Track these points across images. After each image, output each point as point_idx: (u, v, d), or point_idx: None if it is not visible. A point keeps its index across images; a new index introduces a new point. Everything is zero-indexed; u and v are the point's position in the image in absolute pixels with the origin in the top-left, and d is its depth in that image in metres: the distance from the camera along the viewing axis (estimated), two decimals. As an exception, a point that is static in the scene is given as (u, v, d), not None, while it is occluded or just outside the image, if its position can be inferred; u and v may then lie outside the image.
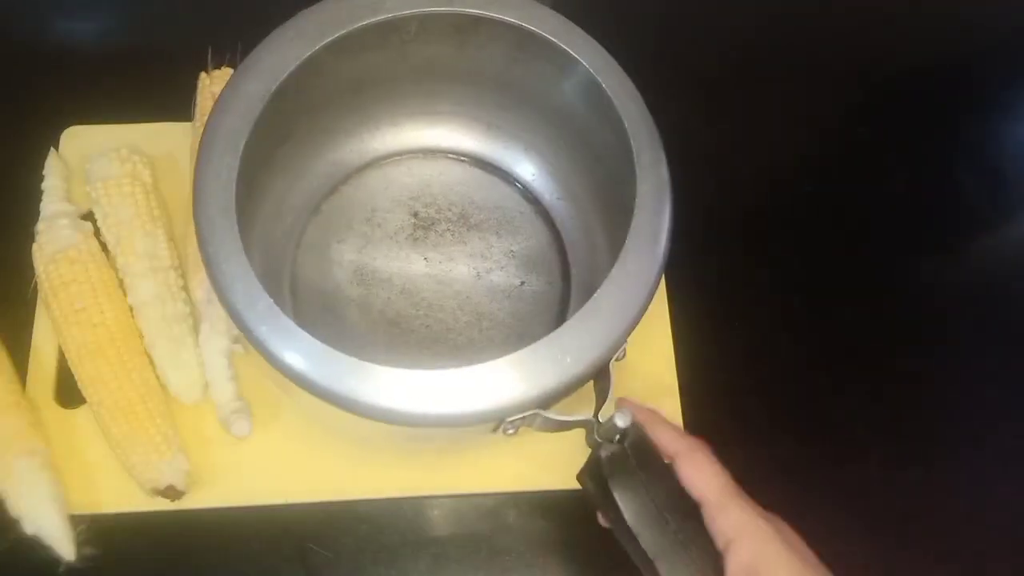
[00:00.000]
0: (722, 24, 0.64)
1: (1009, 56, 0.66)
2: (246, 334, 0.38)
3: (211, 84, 0.52)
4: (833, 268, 0.57)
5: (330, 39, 0.43)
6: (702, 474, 0.37)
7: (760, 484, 0.50)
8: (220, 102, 0.42)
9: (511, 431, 0.40)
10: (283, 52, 0.43)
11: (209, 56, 0.52)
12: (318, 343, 0.38)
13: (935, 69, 0.65)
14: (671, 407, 0.51)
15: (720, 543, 0.36)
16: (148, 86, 0.53)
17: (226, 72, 0.53)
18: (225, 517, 0.47)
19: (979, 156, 0.62)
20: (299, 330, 0.38)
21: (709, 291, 0.54)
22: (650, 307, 0.52)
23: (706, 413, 0.51)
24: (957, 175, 0.60)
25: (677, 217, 0.55)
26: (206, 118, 0.50)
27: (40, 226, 0.50)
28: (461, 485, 0.49)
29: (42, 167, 0.53)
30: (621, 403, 0.40)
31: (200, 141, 0.41)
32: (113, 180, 0.50)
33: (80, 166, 0.52)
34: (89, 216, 0.51)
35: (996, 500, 0.51)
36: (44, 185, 0.52)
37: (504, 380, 0.37)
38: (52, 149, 0.53)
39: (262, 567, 0.47)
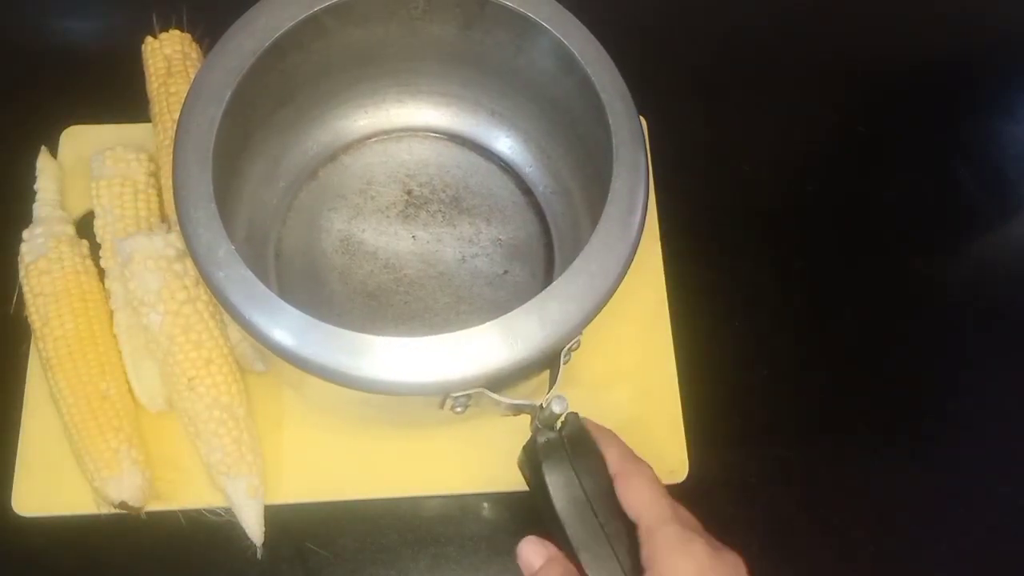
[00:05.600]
0: (722, 24, 0.64)
1: (1009, 56, 0.66)
2: (204, 278, 0.39)
3: (162, 47, 0.52)
4: (833, 268, 0.57)
5: (329, 3, 0.43)
6: (639, 497, 0.37)
7: (760, 484, 0.50)
8: (211, 56, 0.43)
9: (459, 409, 0.40)
10: (279, 11, 0.43)
11: (154, 20, 0.53)
12: (270, 293, 0.38)
13: (935, 69, 0.65)
14: (671, 407, 0.51)
15: (644, 566, 0.36)
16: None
17: (174, 34, 0.53)
18: (225, 517, 0.47)
19: (979, 156, 0.62)
20: (254, 279, 0.38)
21: (709, 291, 0.54)
22: (650, 307, 0.53)
23: (706, 413, 0.51)
24: (957, 175, 0.60)
25: (677, 217, 0.56)
26: (159, 84, 0.51)
27: (24, 234, 0.49)
28: (461, 485, 0.49)
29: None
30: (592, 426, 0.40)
31: (188, 91, 0.42)
32: (105, 181, 0.50)
33: (79, 166, 0.52)
34: (91, 216, 0.51)
35: (996, 500, 0.51)
36: (35, 187, 0.52)
37: (450, 355, 0.38)
38: (43, 148, 0.53)
39: (262, 567, 0.47)
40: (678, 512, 0.37)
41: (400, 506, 0.49)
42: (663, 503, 0.37)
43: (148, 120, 0.53)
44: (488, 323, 0.38)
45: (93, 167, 0.51)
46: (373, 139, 0.54)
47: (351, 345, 0.37)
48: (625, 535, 0.37)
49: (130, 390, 0.48)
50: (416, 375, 0.37)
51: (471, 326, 0.38)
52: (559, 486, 0.38)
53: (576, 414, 0.39)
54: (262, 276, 0.38)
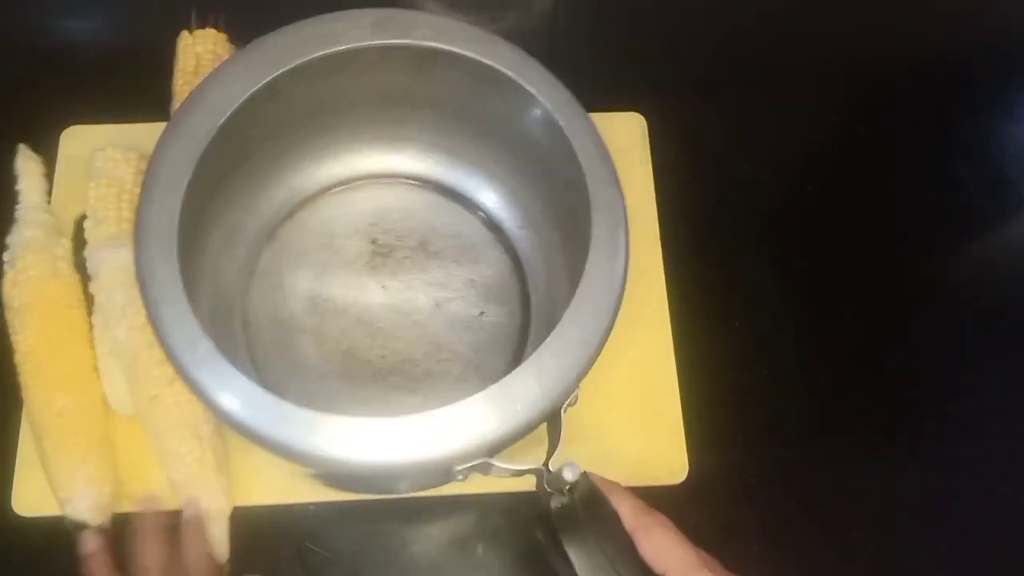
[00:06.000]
0: (722, 24, 0.64)
1: (1009, 56, 0.66)
2: (185, 379, 0.37)
3: (194, 44, 0.52)
4: (833, 268, 0.57)
5: (281, 71, 0.42)
6: (664, 549, 0.37)
7: (760, 484, 0.50)
8: (163, 139, 0.41)
9: (460, 478, 0.39)
10: (231, 86, 0.42)
11: (193, 16, 0.52)
12: (254, 386, 0.37)
13: (935, 69, 0.65)
14: (671, 407, 0.51)
15: None
16: (148, 86, 0.53)
17: (209, 32, 0.52)
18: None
19: (979, 156, 0.62)
20: (237, 373, 0.37)
21: (709, 291, 0.54)
22: (650, 307, 0.53)
23: (706, 413, 0.51)
24: (957, 175, 0.60)
25: (677, 217, 0.56)
26: (184, 82, 0.50)
27: (7, 239, 0.49)
28: (461, 486, 0.48)
29: (42, 167, 0.52)
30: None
31: (144, 179, 0.40)
32: (95, 182, 0.50)
33: (79, 166, 0.52)
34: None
35: (996, 500, 0.51)
36: (17, 187, 0.51)
37: (450, 429, 0.37)
38: (21, 147, 0.52)
39: (261, 567, 0.46)
40: (703, 558, 0.37)
41: (400, 506, 0.49)
42: (689, 551, 0.37)
43: (148, 120, 0.53)
44: (485, 391, 0.37)
45: (89, 168, 0.51)
46: (330, 191, 0.52)
47: (360, 432, 0.36)
48: None
49: (103, 397, 0.47)
50: (421, 452, 0.36)
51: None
52: (579, 553, 0.37)
53: (586, 473, 0.39)
54: (232, 350, 0.37)
